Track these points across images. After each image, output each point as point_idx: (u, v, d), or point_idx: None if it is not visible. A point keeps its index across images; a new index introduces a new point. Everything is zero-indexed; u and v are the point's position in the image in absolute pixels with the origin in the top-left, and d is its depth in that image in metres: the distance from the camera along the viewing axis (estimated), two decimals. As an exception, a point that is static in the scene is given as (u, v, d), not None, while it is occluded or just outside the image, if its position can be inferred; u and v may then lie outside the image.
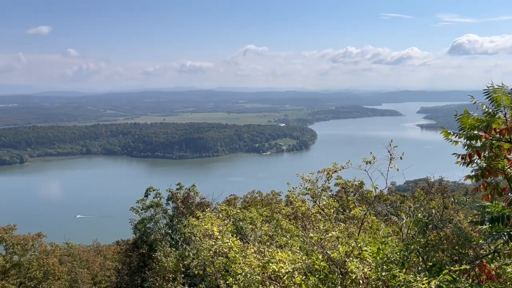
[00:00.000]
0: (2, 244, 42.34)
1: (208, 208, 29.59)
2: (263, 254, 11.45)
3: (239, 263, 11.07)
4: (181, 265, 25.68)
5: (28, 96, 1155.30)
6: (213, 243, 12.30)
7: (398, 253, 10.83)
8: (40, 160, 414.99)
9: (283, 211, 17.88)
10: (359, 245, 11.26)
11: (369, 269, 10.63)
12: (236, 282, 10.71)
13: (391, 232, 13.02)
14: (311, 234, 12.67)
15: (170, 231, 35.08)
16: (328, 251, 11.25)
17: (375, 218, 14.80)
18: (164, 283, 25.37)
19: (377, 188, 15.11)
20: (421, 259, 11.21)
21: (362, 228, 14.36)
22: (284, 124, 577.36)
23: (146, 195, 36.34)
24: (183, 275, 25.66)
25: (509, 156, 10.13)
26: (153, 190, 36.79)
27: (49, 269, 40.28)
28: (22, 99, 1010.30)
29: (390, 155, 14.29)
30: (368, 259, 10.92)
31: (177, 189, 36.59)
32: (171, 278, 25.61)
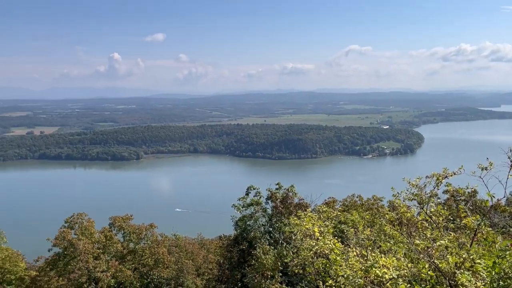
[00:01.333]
0: (121, 232, 47.14)
1: (309, 209, 29.58)
2: (365, 258, 11.16)
3: (340, 265, 10.93)
4: (279, 263, 26.08)
5: (145, 98, 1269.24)
6: (313, 244, 12.30)
7: (518, 269, 9.77)
8: (153, 157, 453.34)
9: (387, 216, 17.16)
10: (471, 257, 10.40)
11: (483, 283, 9.77)
12: (336, 284, 10.60)
13: (509, 245, 11.76)
14: (417, 242, 12.01)
15: (269, 229, 35.73)
16: (435, 261, 10.58)
17: (490, 229, 13.49)
18: (263, 280, 25.99)
19: (493, 197, 13.75)
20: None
21: (475, 239, 13.19)
22: (387, 126, 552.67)
23: (247, 194, 37.37)
24: (281, 274, 26.05)
25: None
26: (254, 189, 37.68)
27: (159, 257, 43.72)
28: (140, 101, 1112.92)
29: (511, 161, 12.89)
30: (481, 273, 10.04)
31: (276, 189, 37.09)
32: (269, 276, 26.15)
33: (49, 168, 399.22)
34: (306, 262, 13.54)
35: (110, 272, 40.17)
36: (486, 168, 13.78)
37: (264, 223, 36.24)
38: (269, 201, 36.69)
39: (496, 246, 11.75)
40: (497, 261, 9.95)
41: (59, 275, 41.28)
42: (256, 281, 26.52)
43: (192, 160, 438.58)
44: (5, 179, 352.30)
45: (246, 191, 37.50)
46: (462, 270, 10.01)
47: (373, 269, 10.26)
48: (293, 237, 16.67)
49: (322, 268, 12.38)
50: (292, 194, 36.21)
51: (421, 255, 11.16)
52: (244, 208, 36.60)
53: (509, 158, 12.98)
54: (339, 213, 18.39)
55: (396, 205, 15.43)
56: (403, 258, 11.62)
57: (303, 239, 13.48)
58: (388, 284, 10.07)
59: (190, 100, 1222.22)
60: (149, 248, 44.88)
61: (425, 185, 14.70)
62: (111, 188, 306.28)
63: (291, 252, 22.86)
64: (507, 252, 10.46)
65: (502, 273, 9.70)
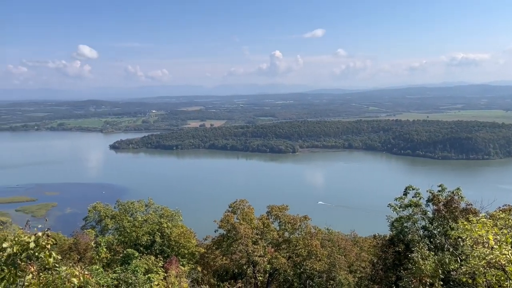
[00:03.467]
0: (277, 220, 49.58)
1: (482, 214, 26.51)
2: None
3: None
4: (440, 271, 24.08)
5: (302, 94, 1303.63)
6: (487, 252, 10.98)
7: None
8: (308, 151, 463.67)
9: None
10: None
11: None
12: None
13: None
14: None
15: (429, 233, 33.19)
16: None
17: None
18: (421, 286, 24.36)
19: None
20: None
21: None
22: None
23: (405, 194, 35.31)
24: (442, 282, 24.00)
25: None
26: (412, 189, 35.37)
27: (312, 249, 44.54)
28: (297, 97, 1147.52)
29: None
30: None
31: (439, 191, 34.05)
32: (428, 283, 24.36)
33: (216, 157, 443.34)
34: (476, 272, 12.18)
35: (267, 258, 42.61)
36: None
37: (423, 226, 33.81)
38: (430, 204, 34.01)
39: None
40: None
41: (223, 255, 45.58)
42: (413, 286, 25.01)
43: (346, 155, 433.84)
44: (182, 165, 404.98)
45: (404, 191, 35.41)
46: None
47: None
48: (461, 243, 15.11)
49: (496, 280, 10.98)
50: (458, 197, 32.77)
51: None
52: (401, 209, 34.72)
53: None
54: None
55: None
56: None
57: (474, 246, 12.13)
58: None
59: (346, 95, 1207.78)
60: (302, 239, 46.06)
61: None
62: (267, 178, 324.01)
63: (453, 260, 20.84)
64: None
65: None
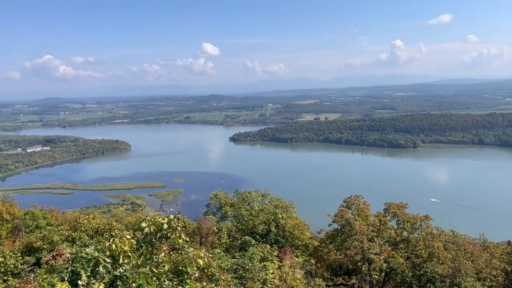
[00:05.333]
0: (395, 219, 47.33)
1: None
2: None
3: None
4: None
5: (424, 85, 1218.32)
6: None
7: None
8: (431, 146, 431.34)
9: None
10: None
11: None
12: None
13: None
14: None
15: None
16: None
17: None
18: None
19: None
20: None
21: None
22: None
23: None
24: None
25: None
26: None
27: (434, 251, 41.53)
28: (419, 88, 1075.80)
29: None
30: None
31: None
32: None
33: (330, 151, 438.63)
34: None
35: (383, 256, 41.10)
36: None
37: None
38: None
39: None
40: None
41: (337, 249, 45.21)
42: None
43: (476, 152, 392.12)
44: (295, 157, 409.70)
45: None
46: None
47: None
48: None
49: None
50: None
51: None
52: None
53: None
54: None
55: None
56: None
57: None
58: None
59: (478, 85, 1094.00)
60: (423, 239, 43.39)
61: None
62: (384, 174, 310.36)
63: None
64: None
65: None
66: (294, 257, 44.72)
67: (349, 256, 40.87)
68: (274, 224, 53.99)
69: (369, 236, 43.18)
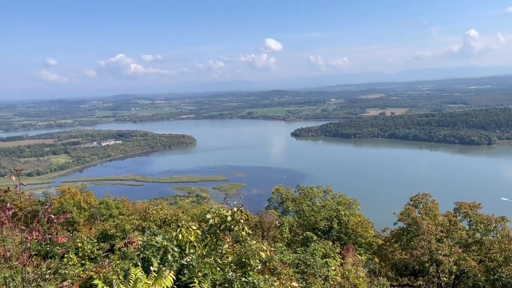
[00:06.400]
0: (467, 219, 44.70)
1: None
2: None
3: None
4: None
5: (503, 77, 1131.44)
6: None
7: None
8: (509, 144, 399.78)
9: None
10: None
11: None
12: None
13: None
14: None
15: None
16: None
17: None
18: None
19: None
20: None
21: None
22: None
23: None
24: None
25: None
26: None
27: (510, 255, 38.80)
28: (496, 80, 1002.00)
29: None
30: None
31: None
32: None
33: (396, 147, 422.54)
34: None
35: (453, 258, 39.09)
36: None
37: None
38: None
39: None
40: None
41: (402, 249, 43.63)
42: None
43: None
44: (359, 153, 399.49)
45: None
46: None
47: None
48: None
49: None
50: None
51: None
52: None
53: None
54: None
55: None
56: None
57: None
58: None
59: None
60: (498, 242, 40.61)
61: None
62: (454, 171, 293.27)
63: None
64: None
65: None
66: (357, 255, 43.87)
67: (416, 256, 39.30)
68: (337, 220, 53.23)
69: (437, 237, 41.25)
